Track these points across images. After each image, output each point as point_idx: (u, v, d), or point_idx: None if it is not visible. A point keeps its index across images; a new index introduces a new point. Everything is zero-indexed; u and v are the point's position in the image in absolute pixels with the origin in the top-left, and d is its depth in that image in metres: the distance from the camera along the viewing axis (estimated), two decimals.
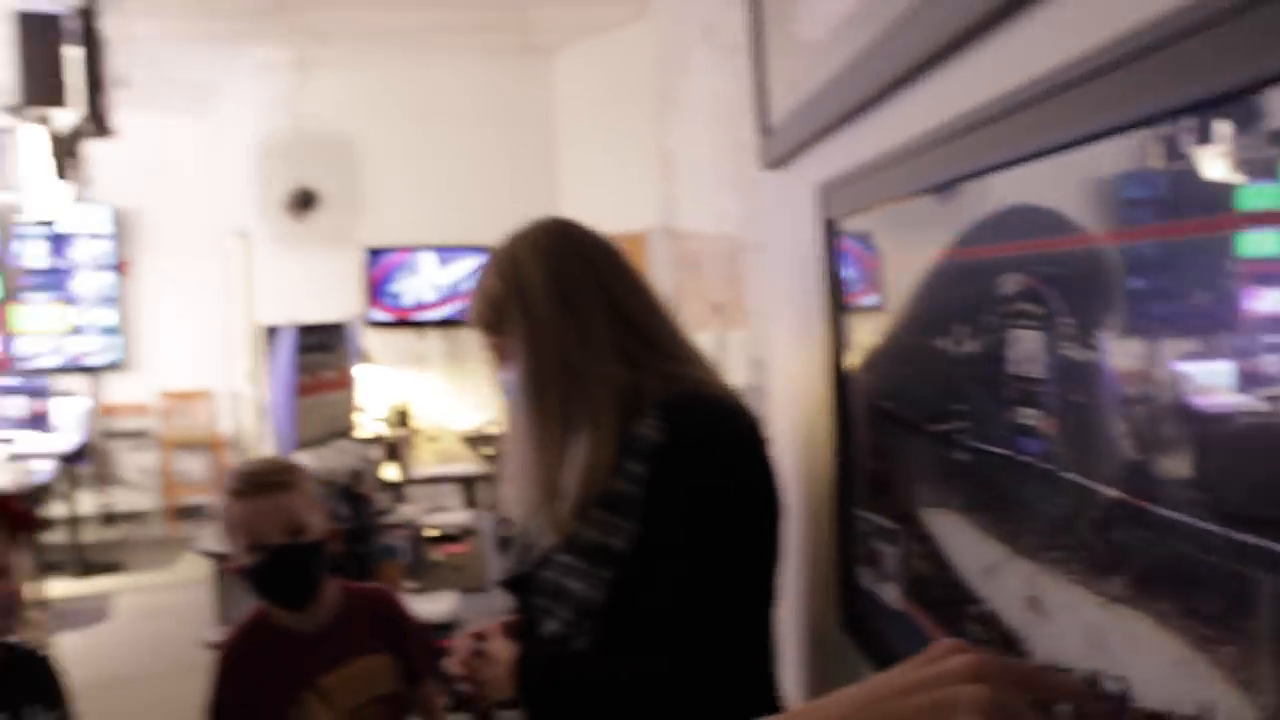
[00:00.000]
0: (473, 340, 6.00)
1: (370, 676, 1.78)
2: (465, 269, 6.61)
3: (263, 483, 1.69)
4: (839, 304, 1.33)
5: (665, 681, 1.30)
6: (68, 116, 4.19)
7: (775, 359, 1.94)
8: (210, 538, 3.37)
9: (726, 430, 1.35)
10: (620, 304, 1.41)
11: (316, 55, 6.31)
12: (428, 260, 6.57)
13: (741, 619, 1.34)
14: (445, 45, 6.36)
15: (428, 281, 6.56)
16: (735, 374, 2.44)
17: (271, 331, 4.20)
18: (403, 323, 6.56)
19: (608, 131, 5.64)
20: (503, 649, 1.44)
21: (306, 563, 1.69)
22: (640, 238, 5.03)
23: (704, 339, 3.26)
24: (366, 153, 6.48)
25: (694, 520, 1.30)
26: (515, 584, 1.50)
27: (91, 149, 4.65)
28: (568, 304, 1.39)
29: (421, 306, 6.59)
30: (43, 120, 4.25)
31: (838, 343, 1.34)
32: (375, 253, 6.51)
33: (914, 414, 1.09)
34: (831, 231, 1.32)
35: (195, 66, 6.50)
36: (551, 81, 6.50)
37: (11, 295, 7.67)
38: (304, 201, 6.38)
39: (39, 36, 3.91)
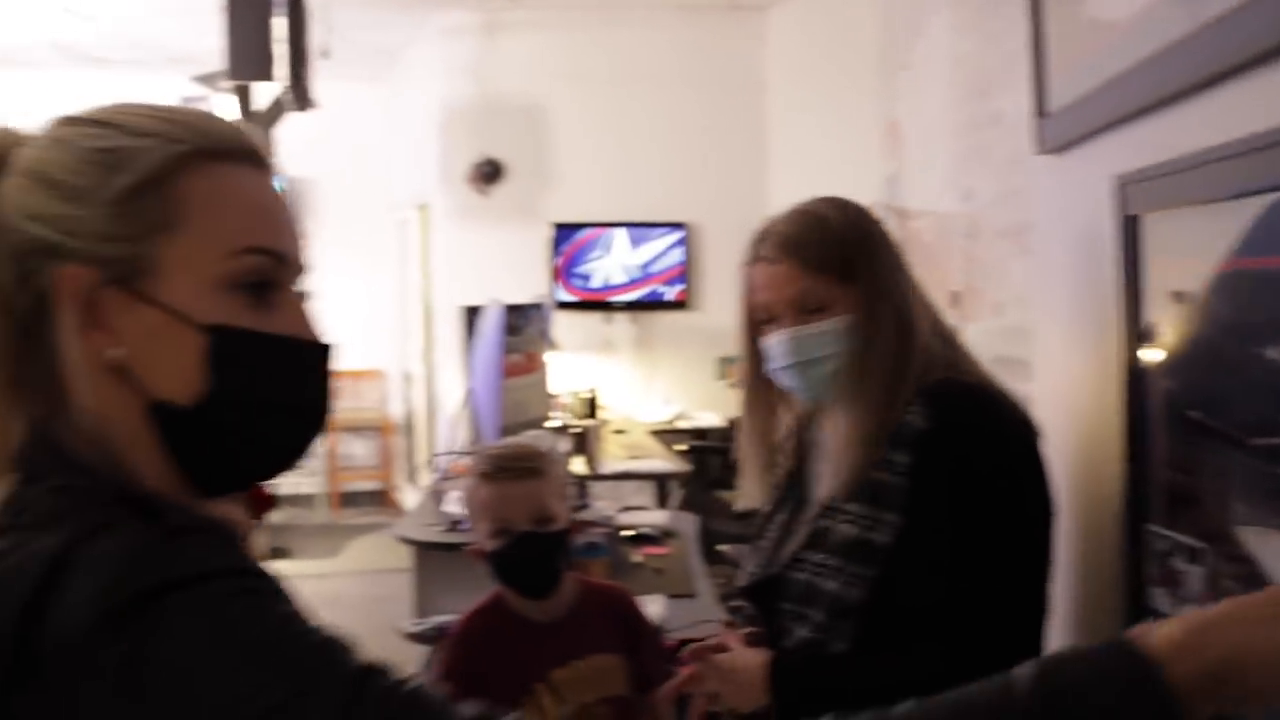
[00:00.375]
0: (666, 326, 6.16)
1: (602, 676, 1.90)
2: (658, 249, 6.74)
3: (514, 467, 1.82)
4: (1137, 305, 1.39)
5: (937, 681, 1.38)
6: (270, 90, 4.51)
7: (1041, 357, 1.99)
8: (409, 525, 3.59)
9: (996, 419, 1.46)
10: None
11: (505, 18, 6.55)
12: (619, 238, 6.72)
13: (1014, 615, 1.40)
14: (644, 4, 6.49)
15: (618, 262, 6.72)
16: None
17: (470, 311, 4.41)
18: (588, 305, 6.72)
19: (824, 97, 5.65)
20: (750, 657, 1.51)
21: (552, 552, 1.82)
22: None
23: None
24: (557, 122, 6.64)
25: (963, 509, 1.39)
26: (758, 590, 1.59)
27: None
28: (905, 266, 1.55)
29: (611, 289, 6.74)
30: (240, 92, 4.60)
31: (1133, 346, 1.40)
32: (562, 229, 6.70)
33: (1233, 425, 1.15)
34: (1132, 228, 1.38)
35: (377, 30, 6.84)
36: (762, 42, 6.53)
37: None
38: (489, 173, 6.60)
39: (250, 9, 4.21)
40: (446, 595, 3.00)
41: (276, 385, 0.84)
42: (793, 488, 1.66)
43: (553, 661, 1.85)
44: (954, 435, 1.42)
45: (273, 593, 0.75)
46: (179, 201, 0.80)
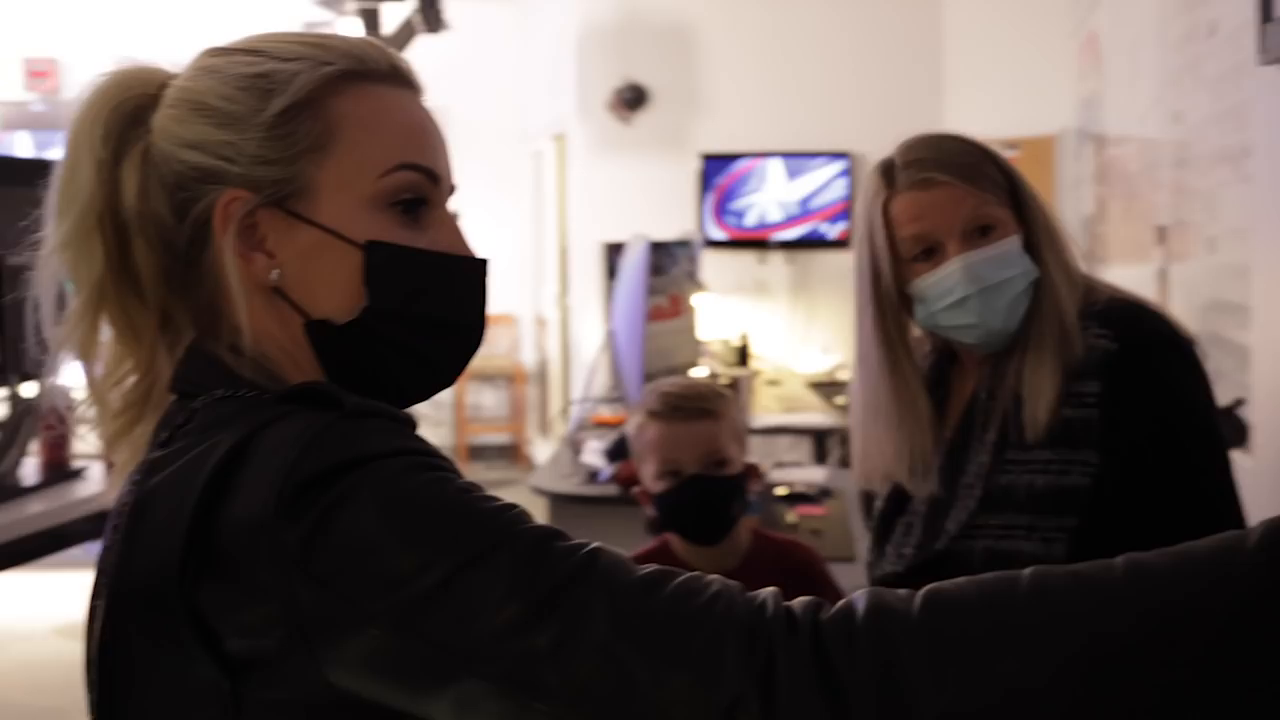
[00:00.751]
0: (826, 267, 6.13)
1: None
2: (819, 181, 6.66)
3: (685, 407, 1.83)
4: None
5: None
6: (400, 10, 4.58)
7: (1263, 301, 1.93)
8: (545, 475, 3.67)
9: (1177, 334, 1.49)
10: None
11: None
12: (774, 170, 6.67)
13: None
14: None
15: (773, 196, 6.67)
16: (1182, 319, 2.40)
17: (612, 248, 4.44)
18: (740, 244, 6.68)
19: (1009, 7, 5.51)
20: None
21: (723, 497, 1.83)
22: (1046, 142, 4.86)
23: (1138, 274, 3.18)
24: (706, 41, 6.60)
25: (1166, 431, 1.43)
26: (920, 571, 1.55)
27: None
28: None
29: (767, 227, 6.70)
30: (367, 14, 4.69)
31: None
32: (711, 160, 6.67)
33: None
34: None
35: None
36: None
37: None
38: (632, 99, 6.61)
39: None
40: None
41: (433, 301, 0.92)
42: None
43: None
44: (1146, 354, 1.45)
45: (449, 470, 0.81)
46: (331, 122, 0.89)
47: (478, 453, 8.51)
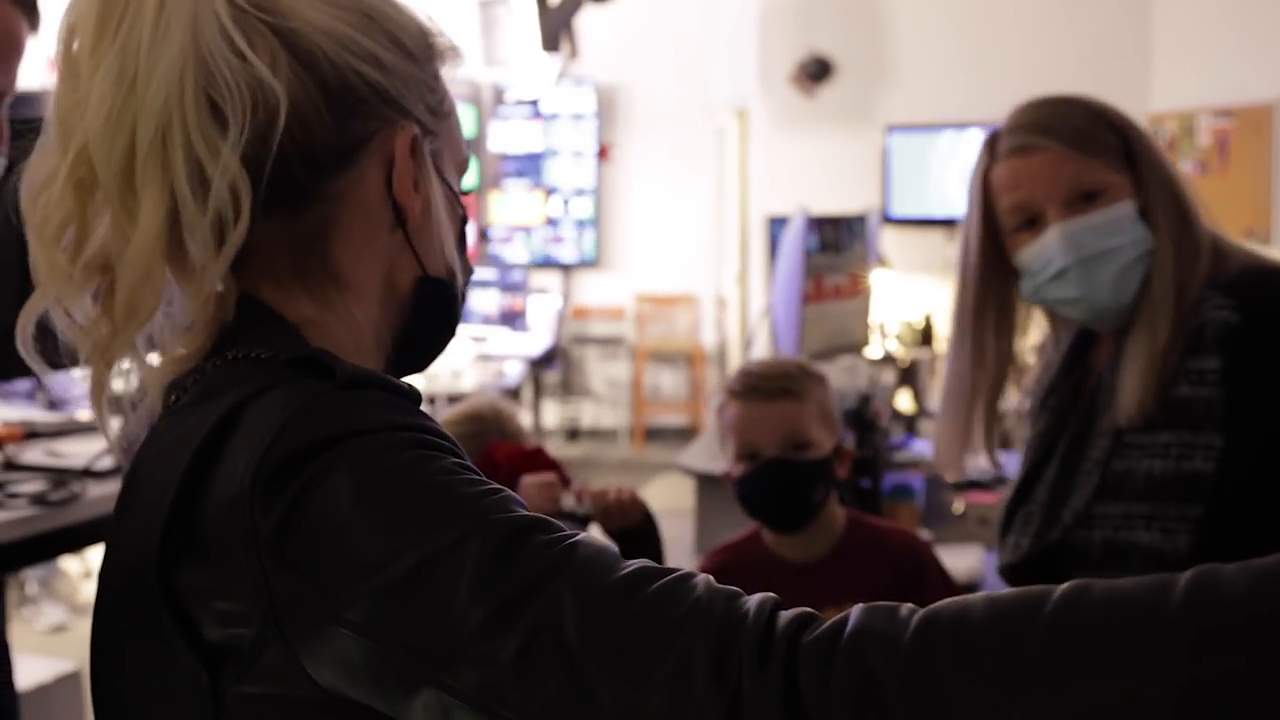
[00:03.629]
0: None
1: None
2: None
3: (766, 387, 1.79)
4: None
5: None
6: None
7: None
8: (695, 454, 3.60)
9: None
10: None
11: None
12: (964, 144, 6.49)
13: None
14: None
15: (962, 170, 6.49)
16: None
17: (774, 223, 4.36)
18: (925, 220, 6.52)
19: None
20: None
21: (803, 482, 1.78)
22: (1265, 111, 4.63)
23: None
24: (895, 9, 6.46)
25: None
26: (1037, 562, 1.50)
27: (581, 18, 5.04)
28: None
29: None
30: None
31: None
32: (898, 133, 6.53)
33: None
34: None
35: None
36: None
37: (491, 182, 8.65)
38: (816, 72, 6.53)
39: None
40: (731, 533, 3.00)
41: (468, 284, 0.97)
42: (1057, 436, 1.57)
43: (810, 605, 1.81)
44: (1272, 324, 1.38)
45: (441, 449, 0.76)
46: (449, 96, 0.92)
47: (655, 434, 8.54)
